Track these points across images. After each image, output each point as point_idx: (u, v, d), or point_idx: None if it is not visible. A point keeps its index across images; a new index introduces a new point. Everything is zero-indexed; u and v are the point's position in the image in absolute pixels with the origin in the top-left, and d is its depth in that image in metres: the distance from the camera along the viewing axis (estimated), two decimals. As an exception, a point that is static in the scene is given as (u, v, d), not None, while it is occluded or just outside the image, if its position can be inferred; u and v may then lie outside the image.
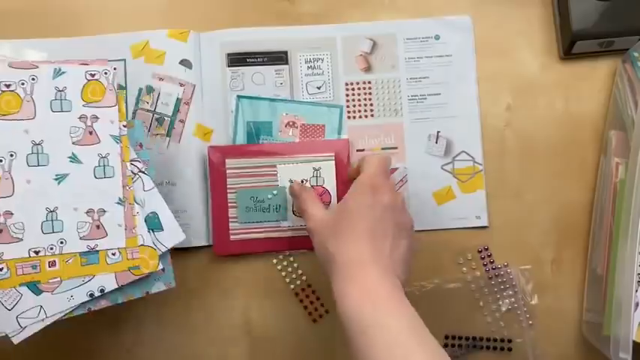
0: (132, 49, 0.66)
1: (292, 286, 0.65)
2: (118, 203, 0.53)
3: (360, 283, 0.49)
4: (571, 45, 0.64)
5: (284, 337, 0.65)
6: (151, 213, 0.55)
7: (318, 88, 0.67)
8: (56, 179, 0.50)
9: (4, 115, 0.47)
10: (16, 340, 0.51)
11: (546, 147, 0.66)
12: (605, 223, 0.61)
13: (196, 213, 0.65)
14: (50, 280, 0.51)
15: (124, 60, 0.66)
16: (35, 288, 0.51)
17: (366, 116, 0.66)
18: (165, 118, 0.65)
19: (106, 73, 0.49)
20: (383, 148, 0.66)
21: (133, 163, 0.54)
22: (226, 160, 0.65)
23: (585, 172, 0.65)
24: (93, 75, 0.48)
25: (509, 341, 0.64)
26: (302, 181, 0.65)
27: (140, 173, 0.54)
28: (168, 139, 0.65)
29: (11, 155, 0.49)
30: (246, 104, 0.66)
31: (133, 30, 0.66)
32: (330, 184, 0.65)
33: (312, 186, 0.65)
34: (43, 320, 0.51)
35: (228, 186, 0.65)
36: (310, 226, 0.55)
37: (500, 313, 0.65)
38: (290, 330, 0.65)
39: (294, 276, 0.65)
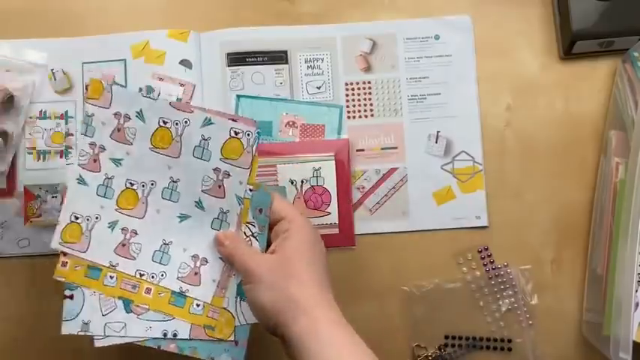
0: (132, 49, 0.66)
1: (292, 286, 0.65)
2: (220, 259, 0.56)
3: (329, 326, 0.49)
4: (571, 45, 0.64)
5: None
6: None
7: (318, 88, 0.67)
8: (179, 217, 0.54)
9: (156, 147, 0.52)
10: (97, 344, 0.55)
11: (546, 147, 0.66)
12: (605, 223, 0.61)
13: (196, 213, 0.65)
14: (140, 305, 0.55)
15: (124, 60, 0.66)
16: (127, 306, 0.55)
17: (365, 116, 0.66)
18: (166, 118, 0.66)
19: (248, 135, 0.51)
20: (383, 148, 0.66)
21: (248, 224, 0.55)
22: None
23: (585, 172, 0.65)
24: (237, 133, 0.51)
25: (509, 341, 0.64)
26: (302, 181, 0.65)
27: (252, 237, 0.55)
28: None
29: (152, 184, 0.53)
30: (246, 104, 0.66)
31: (133, 30, 0.66)
32: (330, 184, 0.65)
33: (311, 186, 0.65)
34: (122, 337, 0.55)
35: None
36: (257, 271, 0.51)
37: (500, 313, 0.65)
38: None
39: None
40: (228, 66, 0.66)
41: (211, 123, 0.50)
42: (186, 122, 0.51)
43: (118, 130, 0.52)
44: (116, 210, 0.55)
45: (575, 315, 0.65)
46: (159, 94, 0.65)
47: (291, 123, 0.66)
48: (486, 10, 0.67)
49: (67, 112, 0.66)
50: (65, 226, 0.55)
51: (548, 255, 0.65)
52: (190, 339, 0.55)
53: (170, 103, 0.52)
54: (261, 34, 0.67)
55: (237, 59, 0.66)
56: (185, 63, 0.66)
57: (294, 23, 0.67)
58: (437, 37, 0.67)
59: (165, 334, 0.55)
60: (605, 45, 0.64)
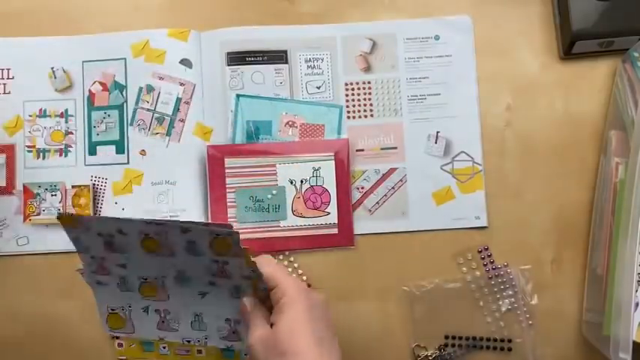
0: (132, 48, 0.66)
1: (292, 286, 0.65)
2: None
3: None
4: (571, 45, 0.64)
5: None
6: None
7: (318, 87, 0.67)
8: (200, 294, 0.56)
9: (150, 252, 0.52)
10: None
11: (546, 147, 0.66)
12: (605, 223, 0.61)
13: (195, 212, 0.65)
14: None
15: (125, 59, 0.66)
16: None
17: (365, 116, 0.66)
18: (166, 118, 0.65)
19: (229, 234, 0.50)
20: (382, 148, 0.66)
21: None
22: (226, 160, 0.65)
23: (585, 172, 0.65)
24: (218, 235, 0.50)
25: (509, 341, 0.64)
26: (302, 181, 0.65)
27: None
28: (168, 138, 0.65)
29: (163, 277, 0.55)
30: (245, 103, 0.66)
31: (133, 29, 0.66)
32: (330, 184, 0.65)
33: (311, 186, 0.65)
34: None
35: (227, 185, 0.65)
36: (254, 348, 0.51)
37: (500, 313, 0.64)
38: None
39: (294, 276, 0.65)
40: (228, 65, 0.66)
41: (189, 230, 0.50)
42: (166, 232, 0.50)
43: (110, 243, 0.52)
44: (143, 298, 0.57)
45: (575, 315, 0.64)
46: (159, 94, 0.65)
47: (290, 123, 0.66)
48: (486, 10, 0.67)
49: (67, 110, 0.66)
50: (107, 316, 0.58)
51: (548, 255, 0.65)
52: None
53: (143, 220, 0.50)
54: (261, 34, 0.67)
55: (237, 58, 0.66)
56: (185, 62, 0.66)
57: (294, 23, 0.67)
58: (437, 38, 0.67)
59: None
60: (605, 45, 0.64)
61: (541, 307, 0.64)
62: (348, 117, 0.66)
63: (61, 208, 0.65)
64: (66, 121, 0.66)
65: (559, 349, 0.64)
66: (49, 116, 0.66)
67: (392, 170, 0.66)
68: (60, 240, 0.63)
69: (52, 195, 0.65)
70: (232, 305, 0.55)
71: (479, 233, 0.65)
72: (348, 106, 0.66)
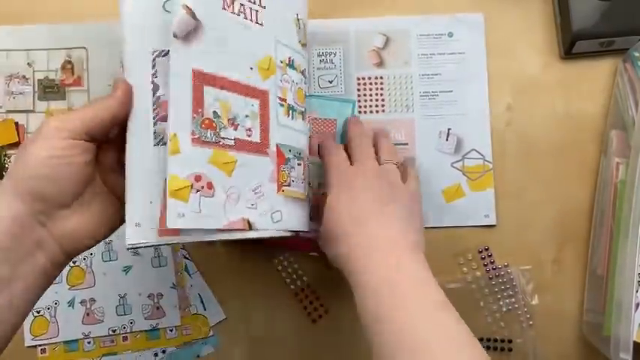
0: None
1: (292, 287, 0.65)
2: (172, 287, 0.64)
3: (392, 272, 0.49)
4: (571, 45, 0.64)
5: (283, 337, 0.65)
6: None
7: (330, 82, 0.66)
8: (124, 270, 0.61)
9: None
10: None
11: (547, 147, 0.66)
12: (606, 223, 0.61)
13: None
14: (124, 352, 0.64)
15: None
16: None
17: (377, 111, 0.66)
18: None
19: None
20: (394, 144, 0.65)
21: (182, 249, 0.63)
22: None
23: (586, 172, 0.65)
24: None
25: (510, 341, 0.64)
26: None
27: (185, 259, 0.64)
28: None
29: (91, 254, 0.61)
30: None
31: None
32: None
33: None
34: None
35: None
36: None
37: (501, 313, 0.65)
38: (290, 330, 0.65)
39: (294, 276, 0.65)
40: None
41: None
42: None
43: None
44: (69, 289, 0.61)
45: (576, 315, 0.64)
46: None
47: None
48: (486, 9, 0.67)
49: (304, 70, 0.57)
50: (31, 323, 0.61)
51: (549, 255, 0.65)
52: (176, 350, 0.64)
53: None
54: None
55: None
56: None
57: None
58: (450, 35, 0.66)
59: (155, 354, 0.64)
60: (606, 45, 0.64)
61: (541, 307, 0.64)
62: (360, 112, 0.66)
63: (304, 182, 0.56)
64: (305, 82, 0.57)
65: (559, 349, 0.64)
66: (295, 69, 0.56)
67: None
68: None
69: (298, 164, 0.55)
70: (151, 276, 0.60)
71: (479, 233, 0.65)
72: (359, 101, 0.66)
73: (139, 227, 0.46)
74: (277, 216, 0.52)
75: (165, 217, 0.45)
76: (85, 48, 0.66)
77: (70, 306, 0.63)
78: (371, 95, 0.66)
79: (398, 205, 0.53)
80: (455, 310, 0.48)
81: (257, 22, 0.52)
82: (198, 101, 0.47)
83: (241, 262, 0.65)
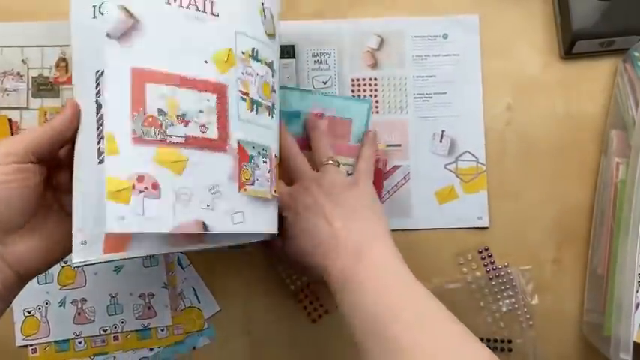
0: None
1: (292, 287, 0.65)
2: (163, 287, 0.64)
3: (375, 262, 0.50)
4: (571, 45, 0.64)
5: (283, 337, 0.65)
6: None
7: (324, 82, 0.66)
8: (115, 270, 0.61)
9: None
10: None
11: (547, 147, 0.66)
12: (606, 223, 0.61)
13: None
14: (115, 352, 0.64)
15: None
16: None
17: (371, 113, 0.66)
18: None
19: None
20: (387, 146, 0.66)
21: None
22: None
23: (586, 172, 0.65)
24: None
25: (510, 341, 0.64)
26: None
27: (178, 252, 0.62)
28: None
29: None
30: (281, 94, 0.65)
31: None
32: None
33: None
34: None
35: None
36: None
37: (501, 313, 0.64)
38: (289, 330, 0.65)
39: (294, 276, 0.65)
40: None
41: None
42: None
43: None
44: (60, 289, 0.61)
45: (576, 315, 0.64)
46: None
47: (319, 115, 0.65)
48: (486, 9, 0.67)
49: (272, 62, 0.54)
50: (22, 323, 0.61)
51: (549, 255, 0.65)
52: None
53: None
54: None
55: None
56: None
57: (301, 18, 0.66)
58: (445, 36, 0.66)
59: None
60: (606, 45, 0.64)
61: (541, 307, 0.64)
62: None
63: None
64: (272, 76, 0.54)
65: (559, 349, 0.64)
66: (260, 62, 0.52)
67: (395, 168, 0.65)
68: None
69: (263, 162, 0.51)
70: (144, 277, 0.59)
71: (479, 233, 0.65)
72: (354, 102, 0.66)
73: (84, 245, 0.46)
74: (238, 217, 0.48)
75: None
76: (79, 46, 0.66)
77: (61, 306, 0.63)
78: (365, 96, 0.66)
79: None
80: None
81: (212, 13, 0.48)
82: (138, 99, 0.45)
83: (241, 261, 0.65)
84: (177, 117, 0.46)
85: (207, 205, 0.46)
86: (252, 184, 0.49)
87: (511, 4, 0.67)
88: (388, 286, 0.49)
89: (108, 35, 0.45)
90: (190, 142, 0.46)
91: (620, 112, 0.62)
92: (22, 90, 0.65)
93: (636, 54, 0.62)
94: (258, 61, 0.51)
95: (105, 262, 0.46)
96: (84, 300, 0.63)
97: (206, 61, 0.48)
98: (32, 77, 0.65)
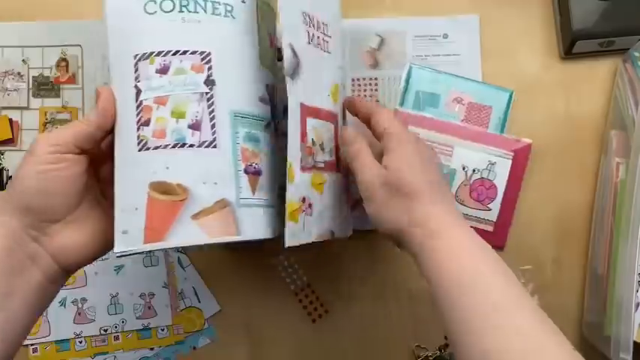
0: None
1: (292, 287, 0.65)
2: (163, 287, 0.64)
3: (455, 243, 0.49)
4: (571, 45, 0.64)
5: (283, 337, 0.65)
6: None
7: None
8: (115, 269, 0.63)
9: None
10: None
11: (547, 147, 0.66)
12: (606, 223, 0.61)
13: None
14: (115, 352, 0.65)
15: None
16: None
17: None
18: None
19: None
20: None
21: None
22: (408, 127, 0.63)
23: (586, 172, 0.65)
24: None
25: (510, 341, 0.64)
26: (473, 170, 0.64)
27: (178, 252, 0.65)
28: None
29: None
30: (416, 74, 0.65)
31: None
32: (500, 182, 0.64)
33: (481, 178, 0.64)
34: None
35: None
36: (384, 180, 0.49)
37: (501, 313, 0.64)
38: (289, 330, 0.65)
39: (294, 276, 0.65)
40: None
41: None
42: None
43: None
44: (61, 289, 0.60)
45: (576, 315, 0.64)
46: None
47: (458, 99, 0.65)
48: (486, 10, 0.67)
49: None
50: None
51: (549, 255, 0.65)
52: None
53: None
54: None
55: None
56: None
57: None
58: (445, 36, 0.66)
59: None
60: (606, 45, 0.64)
61: (541, 307, 0.64)
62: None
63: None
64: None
65: (559, 349, 0.64)
66: (346, 89, 0.62)
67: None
68: None
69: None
70: (143, 275, 0.61)
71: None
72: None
73: (126, 235, 0.46)
74: (347, 223, 0.59)
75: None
76: (79, 46, 0.66)
77: (61, 305, 0.63)
78: (365, 96, 0.66)
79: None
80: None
81: (328, 51, 0.56)
82: (303, 132, 0.51)
83: (241, 261, 0.65)
84: (320, 145, 0.53)
85: (334, 217, 0.55)
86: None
87: (511, 4, 0.67)
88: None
89: (287, 74, 0.49)
90: (327, 166, 0.54)
91: (620, 112, 0.62)
92: (22, 90, 0.65)
93: (636, 54, 0.62)
94: (345, 88, 0.60)
95: (145, 251, 0.49)
96: (84, 300, 0.64)
97: (328, 95, 0.55)
98: (33, 77, 0.66)
